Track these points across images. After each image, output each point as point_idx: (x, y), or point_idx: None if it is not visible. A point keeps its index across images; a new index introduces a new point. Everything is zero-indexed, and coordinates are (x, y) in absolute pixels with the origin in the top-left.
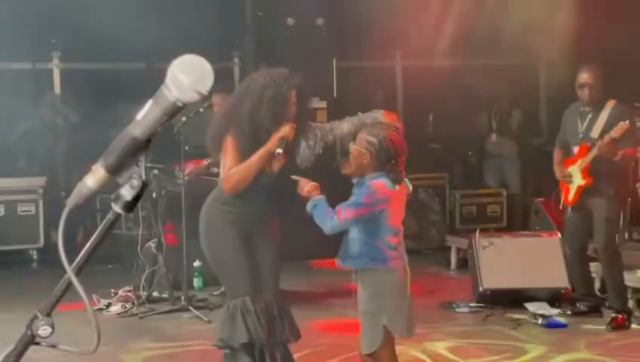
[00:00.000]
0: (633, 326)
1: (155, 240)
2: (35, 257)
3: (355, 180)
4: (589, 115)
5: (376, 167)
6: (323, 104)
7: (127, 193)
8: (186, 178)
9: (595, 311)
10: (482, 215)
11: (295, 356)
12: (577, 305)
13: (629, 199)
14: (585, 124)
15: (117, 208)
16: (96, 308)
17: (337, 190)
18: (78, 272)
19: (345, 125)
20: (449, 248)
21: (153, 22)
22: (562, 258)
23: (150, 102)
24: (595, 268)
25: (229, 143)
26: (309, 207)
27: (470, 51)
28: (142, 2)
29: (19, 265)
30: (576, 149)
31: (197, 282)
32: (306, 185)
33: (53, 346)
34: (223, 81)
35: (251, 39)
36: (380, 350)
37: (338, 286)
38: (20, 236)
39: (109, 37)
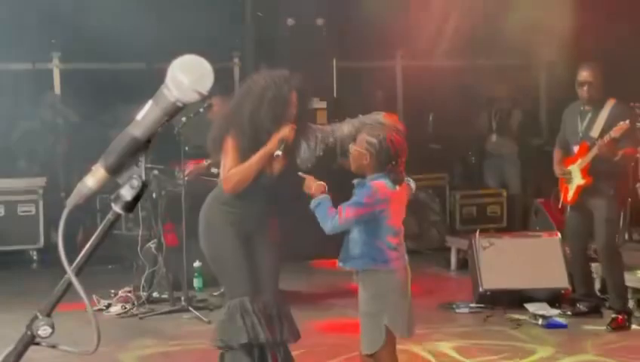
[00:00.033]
0: (633, 326)
1: (155, 240)
2: (35, 257)
3: (355, 181)
4: (589, 114)
5: (376, 168)
6: (323, 104)
7: (127, 193)
8: (185, 178)
9: (595, 311)
10: (482, 215)
11: (295, 356)
12: (577, 305)
13: (629, 199)
14: (585, 124)
15: (117, 208)
16: (96, 308)
17: (338, 191)
18: (78, 273)
19: (346, 127)
20: (449, 249)
21: (153, 22)
22: (562, 258)
23: (150, 102)
24: (595, 268)
25: (230, 144)
26: (312, 204)
27: (470, 51)
28: (142, 2)
29: (19, 265)
30: (575, 149)
31: (197, 282)
32: (312, 184)
33: (53, 346)
34: (223, 81)
35: (251, 39)
36: (381, 350)
37: (338, 286)
38: (20, 236)
39: (109, 37)
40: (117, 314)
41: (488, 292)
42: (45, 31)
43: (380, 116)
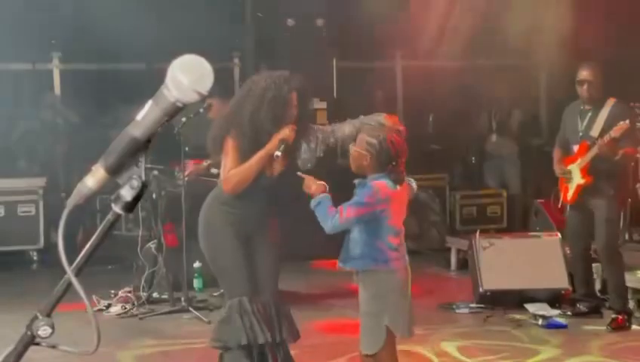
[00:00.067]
0: (633, 326)
1: (155, 241)
2: (35, 258)
3: (357, 181)
4: (589, 114)
5: (376, 168)
6: (323, 105)
7: (127, 193)
8: (185, 179)
9: (595, 311)
10: (482, 216)
11: (294, 356)
12: (577, 305)
13: (629, 199)
14: (585, 123)
15: (117, 209)
16: (96, 308)
17: (338, 191)
18: (78, 273)
19: (346, 127)
20: (449, 249)
21: (153, 22)
22: (562, 258)
23: (150, 102)
24: (595, 268)
25: (230, 145)
26: (312, 204)
27: (470, 51)
28: (142, 2)
29: (19, 265)
30: (575, 148)
31: (197, 283)
32: (312, 184)
33: (53, 347)
34: (223, 81)
35: (251, 40)
36: (381, 351)
37: (338, 286)
38: (20, 237)
39: (109, 37)
40: (117, 315)
41: (488, 293)
42: (45, 31)
43: (381, 117)
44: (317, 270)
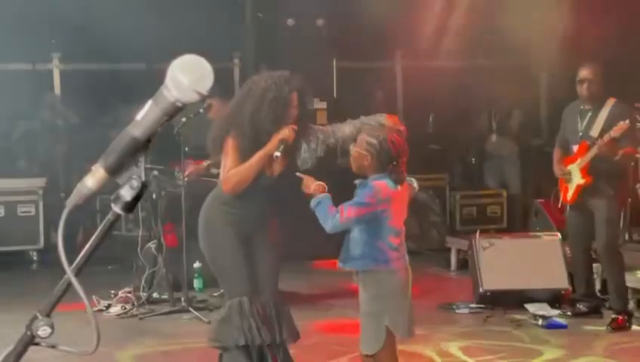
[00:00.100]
0: (633, 327)
1: (155, 241)
2: (35, 258)
3: (357, 181)
4: (589, 114)
5: (377, 169)
6: (323, 105)
7: (126, 194)
8: (185, 179)
9: (595, 312)
10: (482, 216)
11: (294, 356)
12: (577, 305)
13: (629, 199)
14: (585, 123)
15: (117, 209)
16: (96, 309)
17: (339, 191)
18: (78, 273)
19: (347, 128)
20: (449, 249)
21: (153, 22)
22: (562, 259)
23: (150, 102)
24: (595, 268)
25: (230, 145)
26: (312, 203)
27: (470, 52)
28: (142, 2)
29: (19, 266)
30: (575, 148)
31: (197, 283)
32: (311, 184)
33: (53, 347)
34: (223, 81)
35: (251, 40)
36: (381, 351)
37: (338, 287)
38: (20, 237)
39: (109, 37)
40: (117, 315)
41: (488, 293)
42: (45, 31)
43: (382, 117)
44: (317, 270)
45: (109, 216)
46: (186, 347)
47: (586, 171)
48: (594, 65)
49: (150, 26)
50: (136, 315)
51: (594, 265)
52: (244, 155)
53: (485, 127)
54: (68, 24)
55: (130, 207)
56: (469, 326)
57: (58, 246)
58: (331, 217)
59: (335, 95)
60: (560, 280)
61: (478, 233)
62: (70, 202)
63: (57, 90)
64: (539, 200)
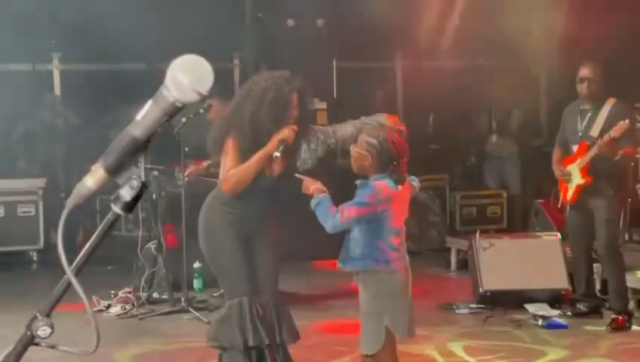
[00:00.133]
0: (633, 327)
1: (155, 241)
2: (35, 258)
3: (358, 182)
4: (589, 114)
5: (377, 169)
6: (323, 105)
7: (126, 194)
8: (185, 179)
9: (595, 312)
10: (482, 216)
11: (294, 357)
12: (577, 306)
13: (629, 200)
14: (584, 123)
15: (116, 209)
16: (96, 309)
17: (339, 191)
18: (78, 273)
19: (347, 128)
20: (449, 249)
21: (153, 22)
22: (562, 259)
23: (150, 102)
24: (595, 268)
25: (230, 145)
26: (312, 203)
27: (470, 52)
28: (142, 2)
29: (19, 266)
30: (575, 148)
31: (197, 283)
32: (311, 184)
33: (53, 347)
34: (223, 82)
35: (251, 40)
36: (381, 351)
37: (338, 287)
38: (20, 237)
39: (109, 37)
40: (117, 315)
41: (488, 293)
42: (45, 31)
43: (382, 117)
44: (317, 270)
45: (109, 216)
46: (186, 347)
47: (586, 171)
48: (594, 64)
49: (150, 26)
50: (136, 315)
51: (594, 265)
52: (244, 155)
53: (485, 127)
54: (68, 24)
55: (129, 207)
56: (469, 327)
57: (58, 247)
58: (332, 217)
59: (335, 95)
60: (560, 281)
61: (478, 233)
62: (70, 202)
63: (57, 90)
64: (539, 200)
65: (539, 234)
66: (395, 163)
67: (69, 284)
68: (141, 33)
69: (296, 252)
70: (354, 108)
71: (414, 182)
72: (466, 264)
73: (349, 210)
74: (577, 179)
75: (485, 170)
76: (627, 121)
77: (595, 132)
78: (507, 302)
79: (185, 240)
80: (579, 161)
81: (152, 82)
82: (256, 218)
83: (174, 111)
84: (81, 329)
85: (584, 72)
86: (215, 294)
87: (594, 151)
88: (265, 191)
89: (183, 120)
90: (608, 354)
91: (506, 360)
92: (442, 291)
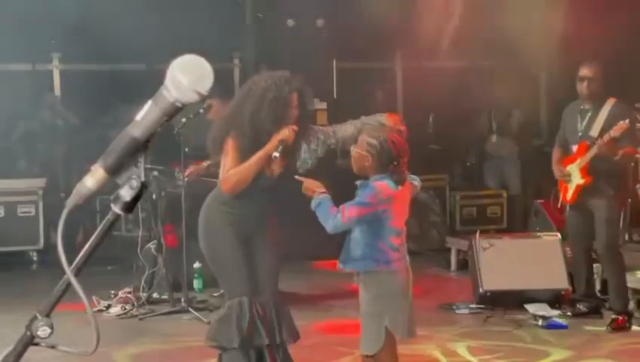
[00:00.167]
0: (633, 327)
1: (155, 241)
2: (34, 258)
3: (359, 182)
4: (589, 113)
5: (378, 169)
6: (323, 105)
7: (126, 194)
8: (185, 179)
9: (595, 312)
10: (482, 216)
11: (294, 357)
12: (577, 306)
13: (629, 200)
14: (584, 123)
15: (116, 209)
16: (96, 309)
17: (340, 191)
18: (78, 273)
19: (347, 128)
20: (449, 249)
21: (153, 22)
22: (562, 259)
23: (150, 102)
24: (595, 268)
25: (230, 145)
26: (313, 204)
27: (470, 52)
28: (142, 2)
29: (19, 266)
30: (575, 148)
31: (197, 283)
32: (311, 185)
33: (53, 347)
34: (223, 82)
35: (251, 40)
36: (382, 351)
37: (338, 287)
38: (20, 237)
39: (109, 37)
40: (117, 315)
41: (488, 293)
42: (45, 31)
43: (382, 117)
44: (317, 270)
45: (109, 216)
46: (186, 347)
47: (586, 171)
48: (594, 63)
49: (150, 26)
50: (136, 315)
51: (594, 265)
52: (243, 155)
53: (485, 128)
54: (68, 24)
55: (129, 207)
56: (469, 327)
57: (58, 247)
58: (332, 217)
59: (335, 95)
60: (560, 281)
61: (478, 233)
62: (70, 202)
63: (57, 90)
64: (539, 200)
65: (539, 234)
66: (395, 163)
67: (69, 284)
68: (141, 33)
69: (296, 252)
70: (354, 109)
71: (415, 181)
72: (466, 264)
73: (349, 211)
74: (577, 179)
75: (485, 170)
76: (627, 120)
77: (594, 132)
78: (507, 302)
79: (185, 241)
80: (579, 161)
81: (152, 82)
82: (256, 218)
83: (174, 111)
84: (81, 329)
85: (584, 71)
86: (215, 294)
87: (594, 151)
88: (265, 191)
89: (183, 120)
90: (610, 355)
91: (507, 360)
92: (442, 291)
